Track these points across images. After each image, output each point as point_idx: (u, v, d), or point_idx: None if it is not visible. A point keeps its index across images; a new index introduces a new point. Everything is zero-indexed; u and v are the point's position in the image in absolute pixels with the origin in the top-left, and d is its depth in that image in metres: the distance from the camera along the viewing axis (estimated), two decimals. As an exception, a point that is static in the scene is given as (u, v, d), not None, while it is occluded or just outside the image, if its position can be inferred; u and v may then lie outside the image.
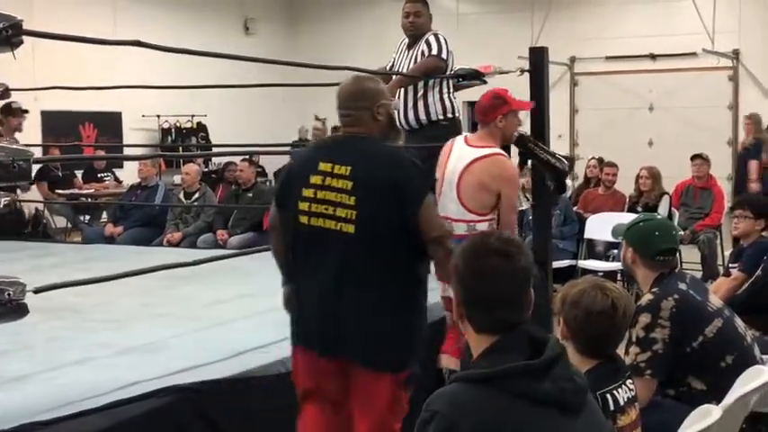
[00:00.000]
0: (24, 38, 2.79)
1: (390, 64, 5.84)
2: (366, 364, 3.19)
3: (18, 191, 8.18)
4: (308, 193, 3.24)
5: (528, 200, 7.63)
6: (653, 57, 14.90)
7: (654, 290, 3.48)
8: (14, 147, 2.77)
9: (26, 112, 8.63)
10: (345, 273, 3.19)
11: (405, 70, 5.62)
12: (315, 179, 3.23)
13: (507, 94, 4.51)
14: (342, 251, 3.19)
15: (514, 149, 4.99)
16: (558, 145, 6.17)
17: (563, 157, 5.30)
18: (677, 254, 3.66)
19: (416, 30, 5.70)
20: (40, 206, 12.24)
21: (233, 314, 4.59)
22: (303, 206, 3.25)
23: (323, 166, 3.23)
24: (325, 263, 3.22)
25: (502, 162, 4.32)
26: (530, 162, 5.39)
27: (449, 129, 5.59)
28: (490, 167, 4.27)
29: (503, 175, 4.28)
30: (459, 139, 4.49)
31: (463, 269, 2.23)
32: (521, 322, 2.20)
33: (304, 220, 3.25)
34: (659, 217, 4.40)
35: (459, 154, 4.37)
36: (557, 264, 6.34)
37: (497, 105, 4.42)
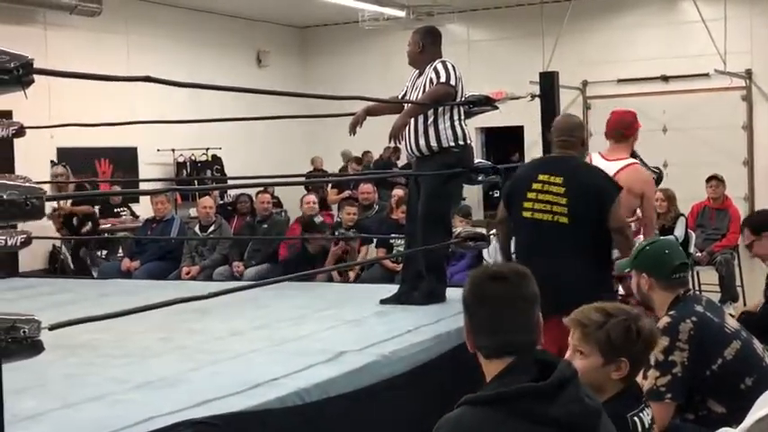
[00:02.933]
0: (38, 76, 2.81)
1: (402, 93, 5.85)
2: None
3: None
4: (531, 195, 4.63)
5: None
6: (665, 78, 14.89)
7: (671, 312, 3.46)
8: (27, 185, 2.79)
9: None
10: (561, 250, 4.51)
11: (414, 99, 5.62)
12: (536, 186, 4.62)
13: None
14: (557, 235, 4.55)
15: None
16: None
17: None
18: (688, 268, 3.66)
19: (409, 59, 5.78)
20: (58, 243, 12.30)
21: (248, 346, 4.58)
22: (527, 205, 4.64)
23: (542, 177, 4.63)
24: (545, 243, 4.56)
25: (641, 170, 5.25)
26: None
27: (459, 156, 5.59)
28: (635, 175, 5.09)
29: (644, 180, 5.17)
30: (596, 155, 5.29)
31: (468, 296, 2.29)
32: (527, 344, 2.22)
33: (528, 215, 4.63)
34: (661, 238, 4.46)
35: (602, 167, 5.05)
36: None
37: (634, 123, 5.35)
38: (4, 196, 2.64)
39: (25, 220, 2.79)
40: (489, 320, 2.24)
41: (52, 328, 2.90)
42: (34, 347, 2.71)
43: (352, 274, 8.77)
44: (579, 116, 14.98)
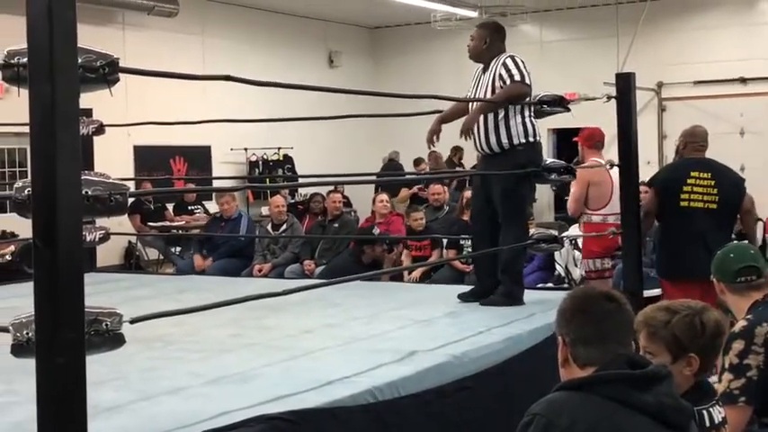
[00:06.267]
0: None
1: (469, 92, 5.81)
2: None
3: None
4: (686, 189, 5.95)
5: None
6: (743, 80, 14.60)
7: (748, 316, 3.43)
8: (111, 181, 2.85)
9: None
10: (709, 228, 5.80)
11: (483, 95, 5.58)
12: (690, 181, 5.96)
13: None
14: (708, 219, 5.88)
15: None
16: (646, 172, 6.42)
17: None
18: (761, 273, 3.60)
19: (471, 54, 5.73)
20: (133, 239, 12.54)
21: (320, 344, 4.61)
22: (684, 196, 5.95)
23: (693, 174, 5.97)
24: (696, 225, 5.85)
25: None
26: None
27: (529, 153, 5.54)
28: None
29: None
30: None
31: (573, 311, 2.37)
32: (626, 356, 2.29)
33: (684, 204, 5.94)
34: (735, 243, 4.44)
35: None
36: (647, 293, 6.24)
37: None
38: (90, 192, 2.70)
39: (109, 215, 2.85)
40: (596, 333, 2.31)
41: (133, 321, 2.96)
42: (116, 340, 2.77)
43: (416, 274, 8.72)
44: (653, 118, 14.83)
